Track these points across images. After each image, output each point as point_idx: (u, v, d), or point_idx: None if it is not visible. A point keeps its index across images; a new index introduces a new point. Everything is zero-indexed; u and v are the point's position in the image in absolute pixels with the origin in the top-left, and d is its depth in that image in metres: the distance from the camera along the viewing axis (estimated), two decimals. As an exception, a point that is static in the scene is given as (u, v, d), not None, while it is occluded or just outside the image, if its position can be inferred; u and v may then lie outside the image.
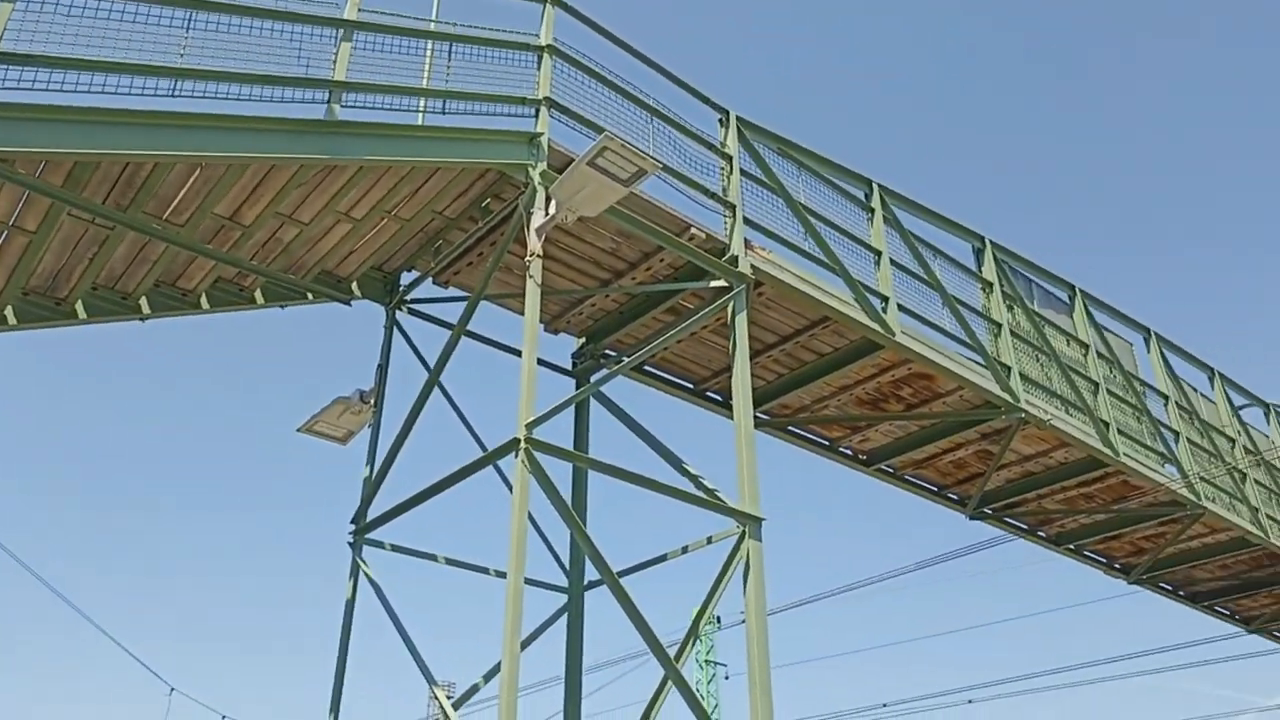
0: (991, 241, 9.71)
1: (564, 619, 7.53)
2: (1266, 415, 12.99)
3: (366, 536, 7.07)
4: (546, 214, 6.29)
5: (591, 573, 7.63)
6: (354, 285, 7.65)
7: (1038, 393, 9.32)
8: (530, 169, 6.42)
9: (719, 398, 9.04)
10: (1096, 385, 10.11)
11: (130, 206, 6.15)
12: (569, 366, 8.55)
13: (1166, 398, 11.11)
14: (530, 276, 6.16)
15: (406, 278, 7.86)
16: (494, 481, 7.36)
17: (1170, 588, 13.09)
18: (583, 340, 8.55)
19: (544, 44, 6.78)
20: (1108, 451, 9.69)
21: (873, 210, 8.68)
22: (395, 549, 7.17)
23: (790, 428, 9.64)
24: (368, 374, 7.69)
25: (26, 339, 6.70)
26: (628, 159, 5.95)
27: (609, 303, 8.10)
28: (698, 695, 6.03)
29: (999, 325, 9.27)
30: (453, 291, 7.80)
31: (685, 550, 6.92)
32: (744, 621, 6.21)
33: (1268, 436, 12.76)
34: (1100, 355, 10.48)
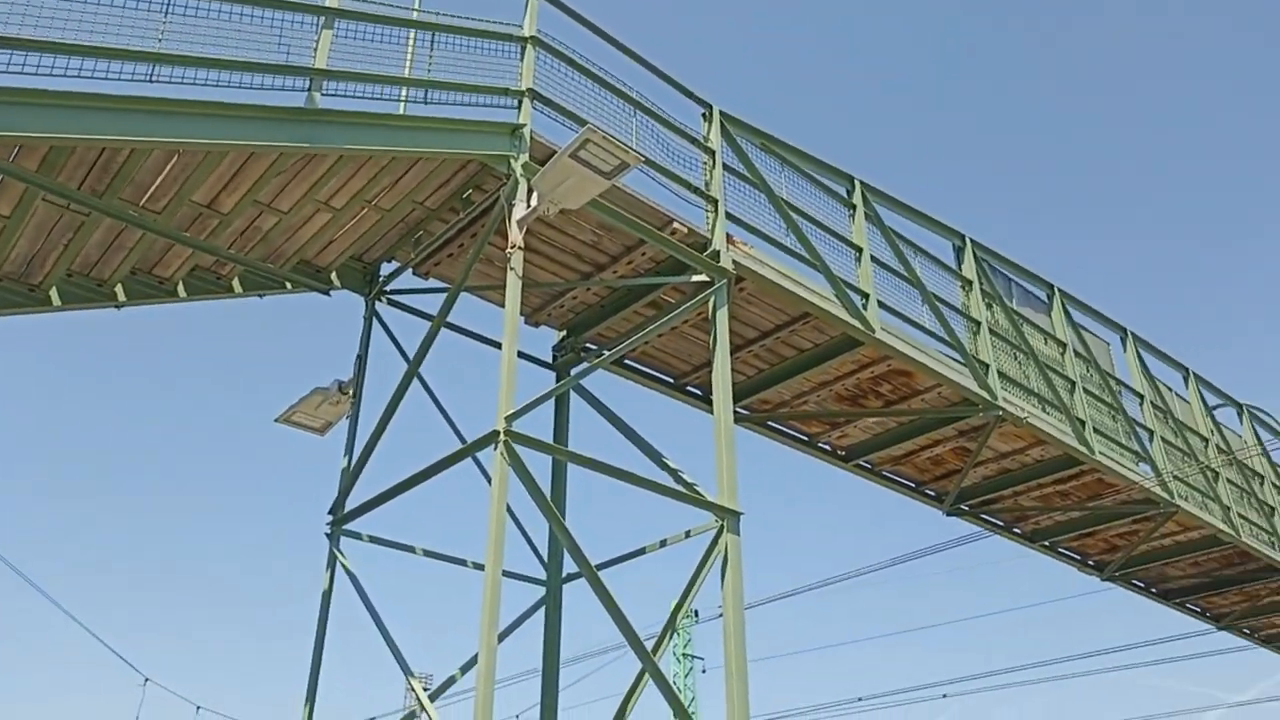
0: (972, 240, 9.77)
1: (542, 611, 7.52)
2: (1239, 415, 13.15)
3: (344, 528, 7.03)
4: (528, 206, 6.27)
5: (570, 565, 7.63)
6: (333, 275, 7.60)
7: (1015, 391, 9.38)
8: (512, 160, 6.39)
9: (699, 392, 9.05)
10: (1073, 384, 10.19)
11: (106, 192, 6.08)
12: (549, 359, 8.54)
13: (1142, 397, 11.22)
14: (511, 269, 6.13)
15: (386, 268, 7.81)
16: (473, 474, 7.35)
17: (1143, 585, 13.23)
18: (563, 333, 8.54)
19: (527, 35, 6.75)
20: (1083, 449, 9.77)
21: (854, 207, 8.70)
22: (373, 540, 7.14)
23: (770, 423, 9.66)
24: (347, 365, 7.65)
25: (-1, 325, 6.62)
26: (610, 152, 5.94)
27: (590, 296, 8.09)
28: (675, 688, 6.04)
29: (978, 323, 9.32)
30: (433, 283, 7.76)
31: (664, 544, 6.93)
32: (722, 615, 6.23)
33: (1240, 436, 12.91)
34: (1077, 354, 10.57)
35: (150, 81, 5.26)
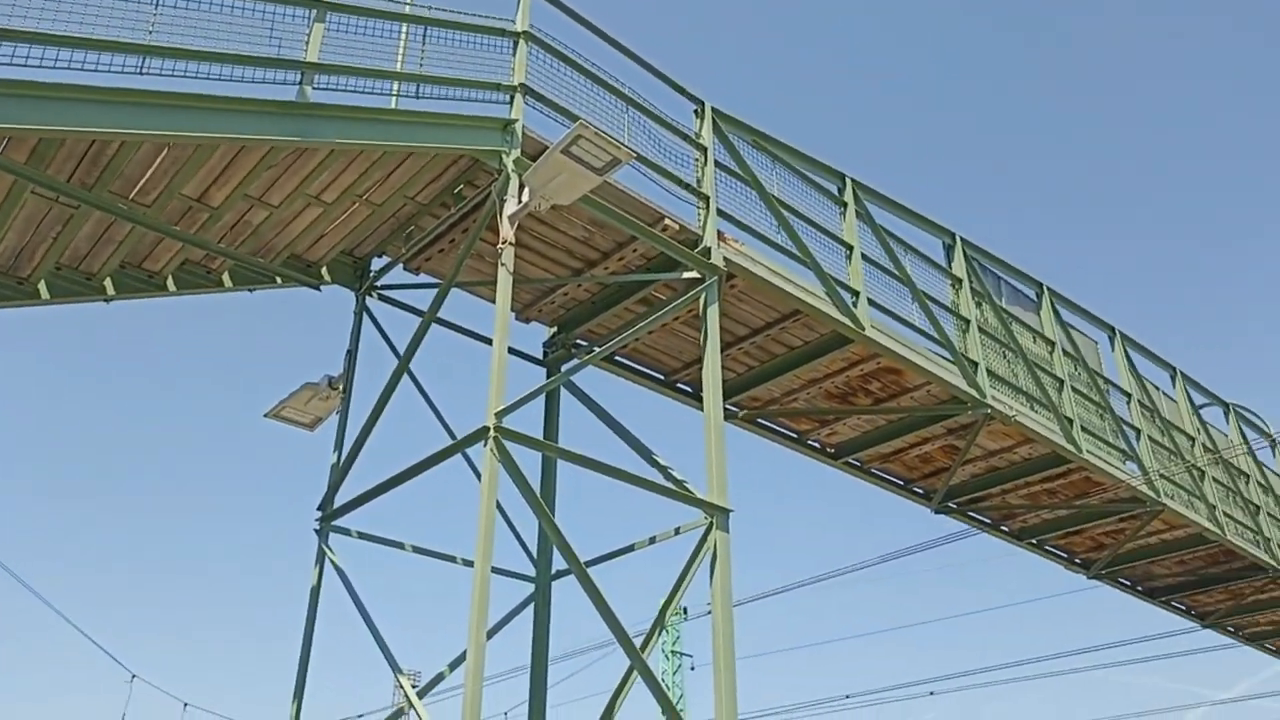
0: (962, 238, 9.80)
1: (531, 608, 7.52)
2: (1226, 414, 13.23)
3: (333, 524, 7.02)
4: (520, 202, 6.26)
5: (559, 562, 7.63)
6: (324, 270, 7.58)
7: (1004, 389, 9.42)
8: (504, 156, 6.38)
9: (689, 389, 9.05)
10: (1061, 382, 10.24)
11: (96, 185, 6.04)
12: (540, 356, 8.53)
13: (1129, 396, 11.28)
14: (502, 264, 6.12)
15: (377, 263, 7.79)
16: (463, 470, 7.34)
17: (1129, 583, 13.31)
18: (554, 329, 8.53)
19: (520, 30, 6.73)
20: (1071, 448, 9.82)
21: (845, 204, 8.72)
22: (362, 536, 7.13)
23: (759, 420, 9.68)
24: (337, 360, 7.63)
25: (-14, 318, 6.58)
26: (602, 148, 5.93)
27: (581, 292, 8.08)
28: (663, 685, 6.05)
29: (967, 321, 9.35)
30: (424, 278, 7.74)
31: (653, 541, 6.93)
32: (710, 612, 6.24)
33: (1226, 435, 13.00)
34: (1066, 353, 10.62)
35: (140, 74, 5.23)
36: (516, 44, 6.70)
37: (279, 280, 7.40)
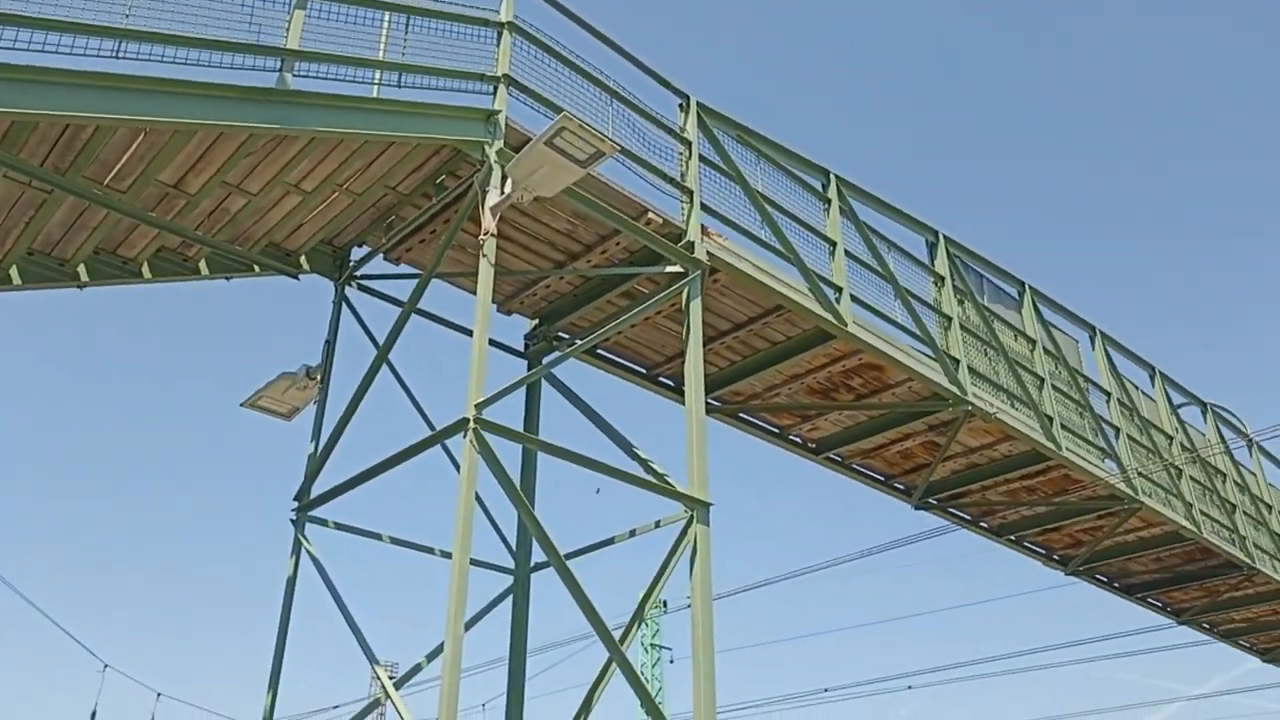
0: (945, 236, 9.81)
1: (509, 600, 7.50)
2: (1204, 414, 13.34)
3: (309, 514, 6.96)
4: (502, 193, 6.22)
5: (538, 554, 7.61)
6: (302, 259, 7.51)
7: (985, 386, 9.45)
8: (486, 147, 6.33)
9: (671, 383, 9.04)
10: (1042, 380, 10.28)
11: (70, 170, 5.96)
12: (521, 348, 8.50)
13: (1109, 394, 11.35)
14: (484, 256, 6.08)
15: (357, 253, 7.73)
16: (442, 461, 7.30)
17: (1106, 579, 13.41)
18: (536, 322, 8.49)
19: (504, 20, 6.68)
20: (1051, 446, 9.87)
21: (829, 201, 8.71)
22: (339, 527, 7.08)
23: (741, 414, 9.68)
24: (315, 349, 7.56)
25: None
26: (586, 140, 5.90)
27: (563, 285, 8.05)
28: (642, 678, 6.04)
29: (949, 319, 9.38)
30: (404, 268, 7.69)
31: (633, 534, 6.92)
32: (690, 605, 6.23)
33: (1204, 435, 13.10)
34: (1047, 351, 10.66)
35: (116, 58, 5.15)
36: (500, 34, 6.65)
37: (257, 269, 7.32)
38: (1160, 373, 12.58)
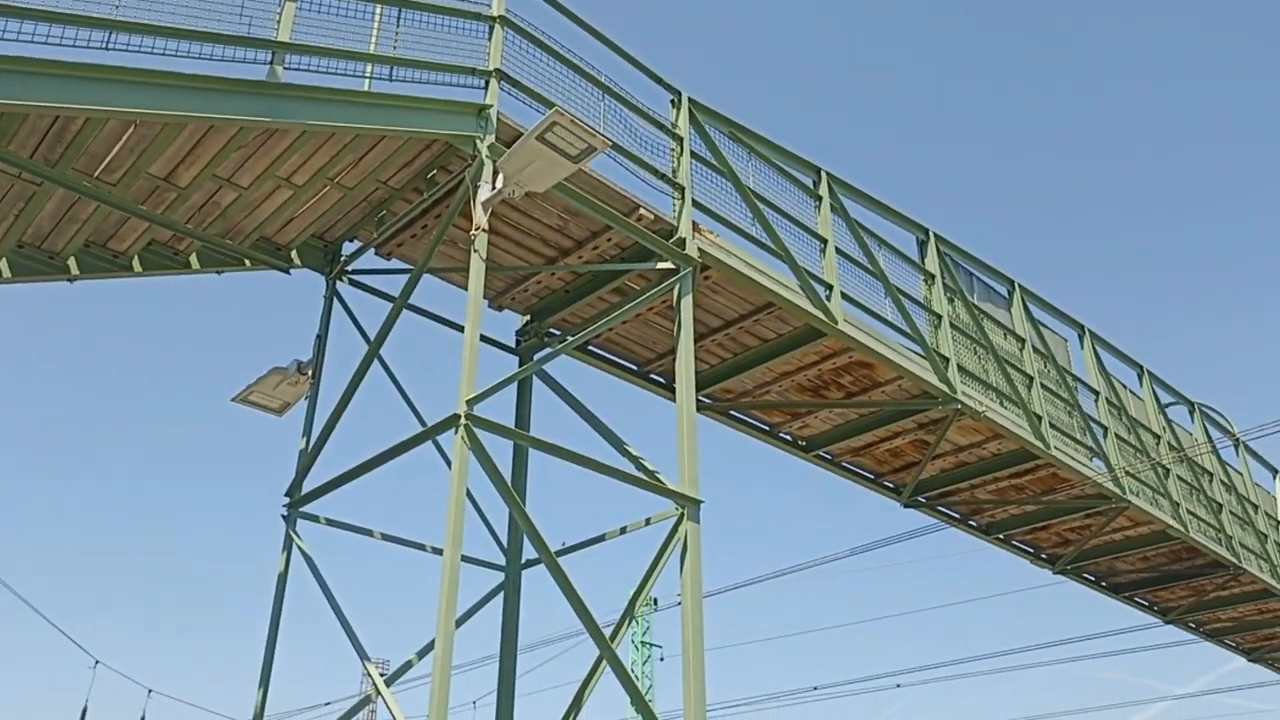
0: (935, 234, 9.84)
1: (500, 597, 7.49)
2: (1191, 413, 13.40)
3: (301, 510, 6.94)
4: (493, 188, 6.20)
5: (529, 551, 7.60)
6: (293, 253, 7.48)
7: (974, 385, 9.48)
8: (478, 141, 6.32)
9: (662, 380, 9.04)
10: (1031, 379, 10.32)
11: (59, 162, 5.93)
12: (513, 344, 8.48)
13: (1097, 393, 11.39)
14: (475, 251, 6.07)
15: (348, 248, 7.70)
16: (433, 457, 7.28)
17: (1093, 578, 13.47)
18: (527, 318, 8.48)
19: (496, 14, 6.66)
20: (1039, 444, 9.90)
21: (820, 198, 8.72)
22: (330, 523, 7.05)
23: (731, 412, 9.68)
24: (306, 344, 7.54)
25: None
26: (578, 135, 5.89)
27: (555, 281, 8.04)
28: (632, 676, 6.04)
29: (939, 317, 9.40)
30: (395, 263, 7.67)
31: (624, 531, 6.92)
32: (680, 603, 6.23)
33: (1191, 434, 13.17)
34: (1036, 350, 10.70)
35: (106, 49, 5.13)
36: (492, 28, 6.63)
37: (248, 263, 7.29)
38: (1148, 372, 12.64)
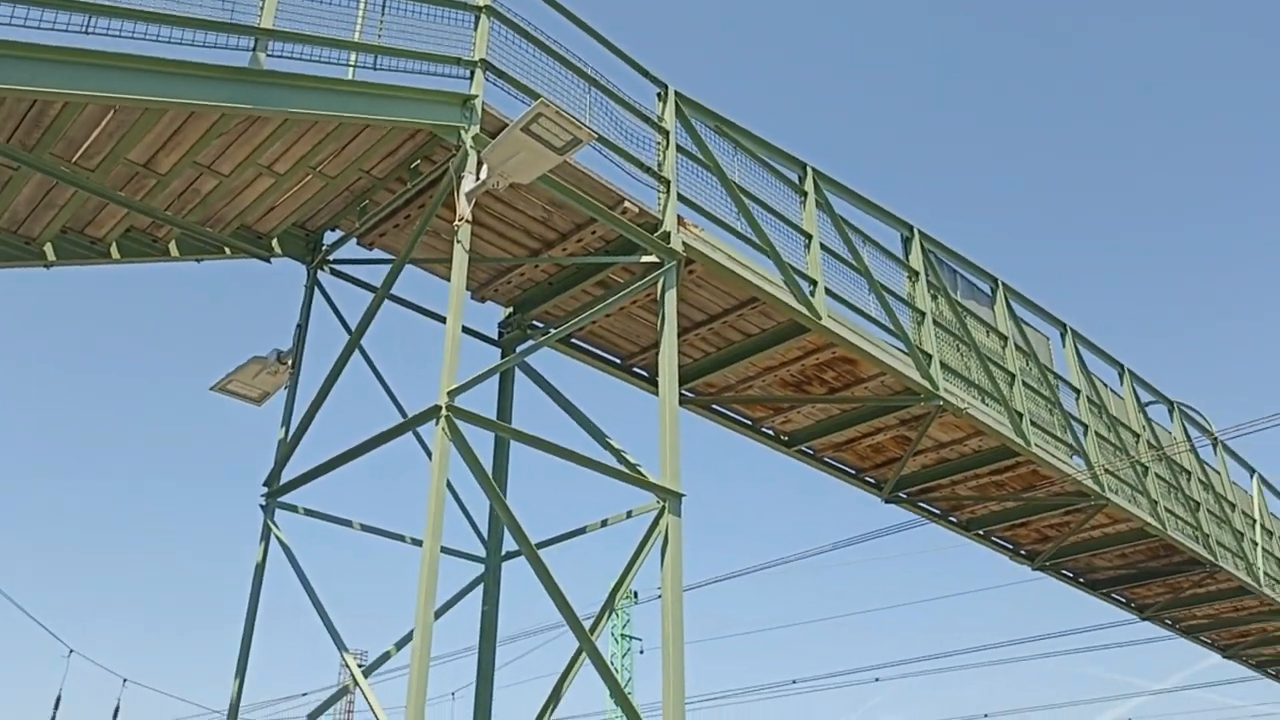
0: (920, 231, 9.86)
1: (480, 589, 7.47)
2: (1170, 412, 13.51)
3: (279, 500, 6.90)
4: (477, 179, 6.17)
5: (510, 543, 7.58)
6: (274, 242, 7.42)
7: (956, 381, 9.52)
8: (462, 132, 6.28)
9: (645, 374, 9.03)
10: (1013, 377, 10.37)
11: (36, 147, 5.85)
12: (495, 336, 8.45)
13: (1078, 392, 11.46)
14: (458, 242, 6.04)
15: (330, 237, 7.65)
16: (414, 448, 7.26)
17: (1072, 575, 13.57)
18: (510, 310, 8.45)
19: (481, 4, 6.61)
20: (1020, 441, 9.96)
21: (805, 194, 8.72)
22: (309, 513, 7.01)
23: (714, 406, 9.68)
24: (287, 334, 7.49)
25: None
26: (563, 127, 5.86)
27: (538, 273, 8.01)
28: (612, 668, 6.04)
29: (923, 314, 9.42)
30: (377, 254, 7.62)
31: (605, 523, 6.91)
32: (661, 596, 6.24)
33: (1170, 433, 13.27)
34: (1018, 348, 10.75)
35: (86, 33, 5.05)
36: (478, 18, 6.59)
37: (228, 251, 7.23)
38: (1129, 371, 12.73)
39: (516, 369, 8.04)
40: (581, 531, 7.10)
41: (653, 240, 7.17)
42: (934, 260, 9.97)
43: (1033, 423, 10.29)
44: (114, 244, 6.89)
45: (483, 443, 7.99)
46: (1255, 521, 14.44)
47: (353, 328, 7.09)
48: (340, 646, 6.40)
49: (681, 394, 8.85)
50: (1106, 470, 11.09)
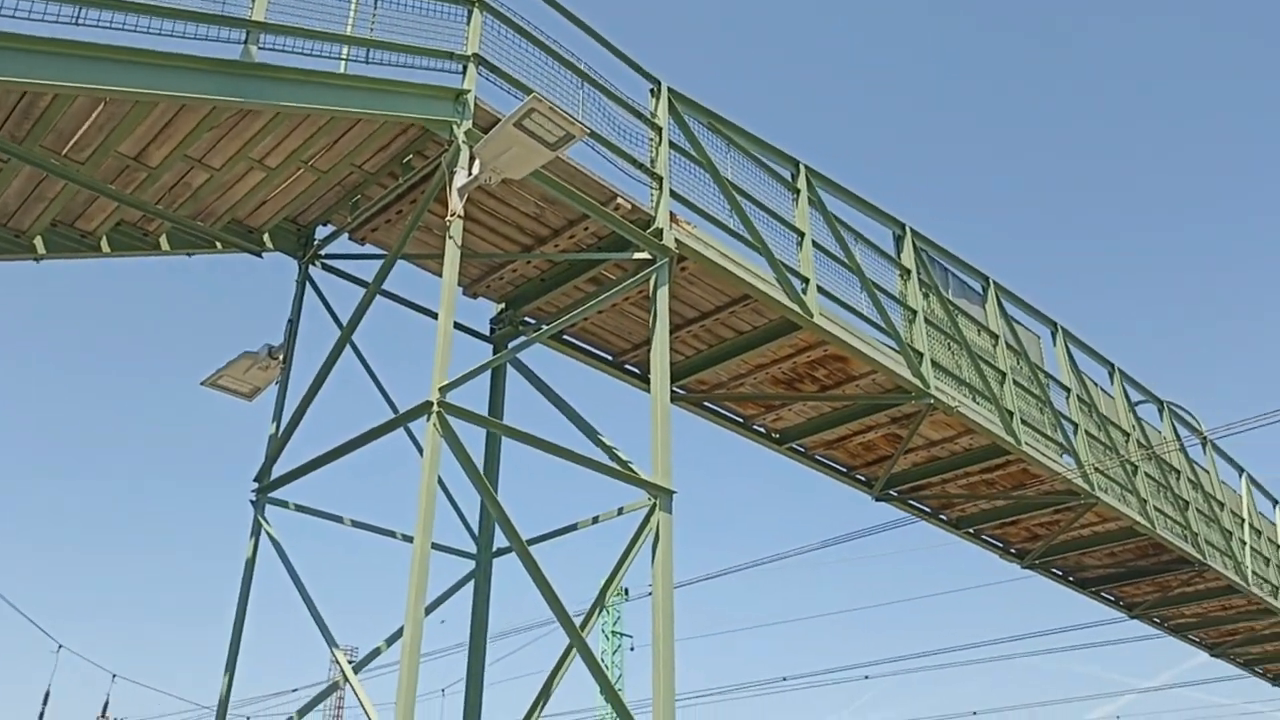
0: (912, 229, 9.87)
1: (470, 585, 7.46)
2: (1160, 412, 13.55)
3: (270, 495, 6.88)
4: (470, 174, 6.15)
5: (501, 540, 7.58)
6: (266, 236, 7.39)
7: (947, 380, 9.53)
8: (455, 127, 6.27)
9: (637, 371, 9.03)
10: (1004, 375, 10.39)
11: (26, 139, 5.82)
12: (487, 332, 8.44)
13: (1069, 390, 11.49)
14: (450, 237, 6.02)
15: (322, 232, 7.62)
16: (405, 444, 7.24)
17: (1061, 573, 13.61)
18: (502, 306, 8.44)
19: (475, -1, 6.60)
20: (1010, 440, 9.98)
21: (798, 191, 8.73)
22: (300, 509, 6.99)
23: (706, 403, 9.69)
24: (278, 329, 7.46)
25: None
26: (556, 122, 5.85)
27: (530, 269, 8.00)
28: (602, 665, 6.04)
29: (914, 312, 9.44)
30: (369, 249, 7.60)
31: (596, 520, 6.91)
32: (651, 593, 6.24)
33: (1159, 432, 13.32)
34: (1009, 346, 10.77)
35: (76, 24, 5.02)
36: (471, 13, 6.57)
37: (219, 245, 7.20)
38: (1119, 370, 12.77)
39: (508, 365, 8.02)
40: (572, 528, 7.10)
41: (645, 237, 7.16)
42: (926, 258, 9.98)
43: (1023, 421, 10.32)
44: (104, 237, 6.86)
45: (474, 439, 7.99)
46: (1243, 520, 14.51)
47: (344, 323, 7.07)
48: (330, 642, 6.38)
49: (673, 391, 8.87)
50: (1096, 469, 11.12)
